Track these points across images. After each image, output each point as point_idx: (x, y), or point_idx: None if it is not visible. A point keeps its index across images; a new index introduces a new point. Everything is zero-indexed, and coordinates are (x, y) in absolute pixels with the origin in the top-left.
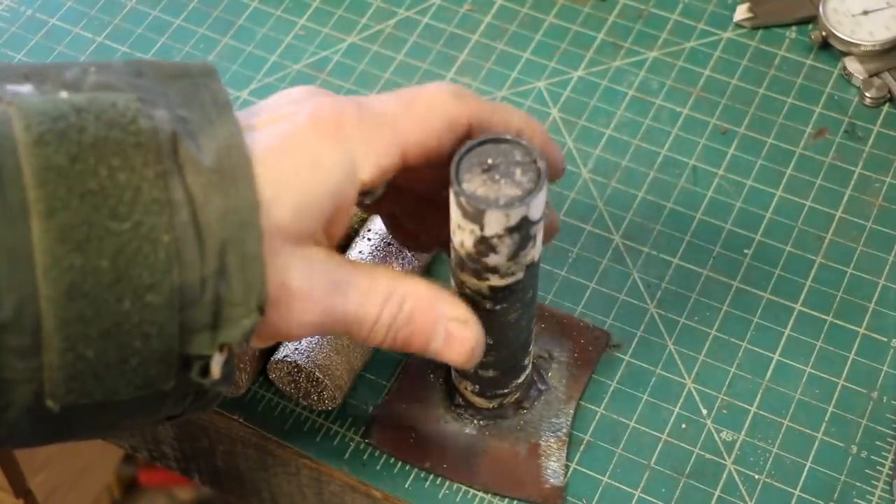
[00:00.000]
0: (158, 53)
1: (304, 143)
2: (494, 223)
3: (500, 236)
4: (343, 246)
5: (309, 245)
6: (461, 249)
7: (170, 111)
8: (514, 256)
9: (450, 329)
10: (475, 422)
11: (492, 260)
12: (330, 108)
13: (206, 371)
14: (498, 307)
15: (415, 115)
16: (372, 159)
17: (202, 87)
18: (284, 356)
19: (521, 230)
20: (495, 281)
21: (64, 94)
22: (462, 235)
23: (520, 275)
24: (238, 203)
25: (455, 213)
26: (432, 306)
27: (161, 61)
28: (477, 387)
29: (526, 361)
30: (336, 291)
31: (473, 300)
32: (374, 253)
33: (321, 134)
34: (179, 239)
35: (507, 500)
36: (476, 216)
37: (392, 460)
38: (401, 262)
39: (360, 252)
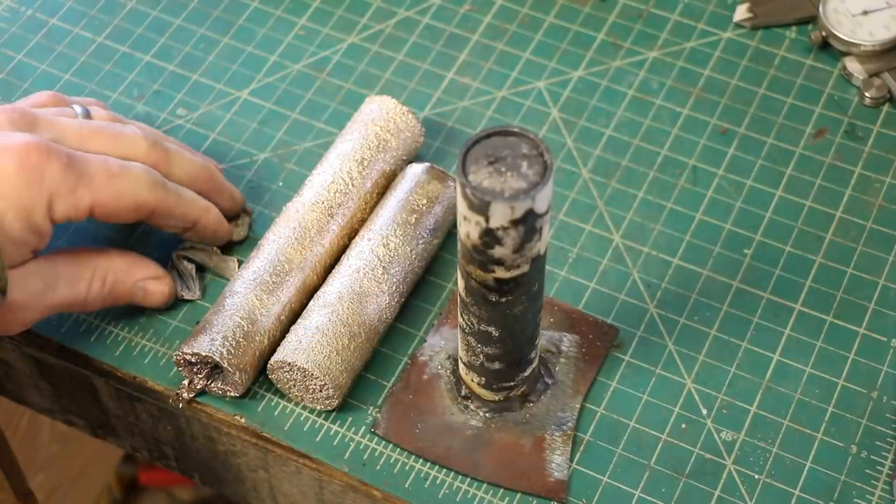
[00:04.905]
0: (158, 53)
1: (10, 188)
2: (499, 215)
3: (504, 228)
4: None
5: (23, 265)
6: (467, 241)
7: None
8: (519, 249)
9: (145, 287)
10: (481, 414)
11: (497, 252)
12: (37, 157)
13: None
14: (503, 299)
15: (112, 191)
16: (63, 207)
17: None
18: (284, 356)
19: (527, 223)
20: (501, 273)
21: None
22: (468, 227)
23: (525, 267)
24: None
25: (461, 205)
26: (129, 274)
27: None
28: (483, 379)
29: (532, 355)
30: (48, 290)
31: (479, 292)
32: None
33: (26, 181)
34: None
35: (507, 499)
36: (481, 208)
37: (392, 460)
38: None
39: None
